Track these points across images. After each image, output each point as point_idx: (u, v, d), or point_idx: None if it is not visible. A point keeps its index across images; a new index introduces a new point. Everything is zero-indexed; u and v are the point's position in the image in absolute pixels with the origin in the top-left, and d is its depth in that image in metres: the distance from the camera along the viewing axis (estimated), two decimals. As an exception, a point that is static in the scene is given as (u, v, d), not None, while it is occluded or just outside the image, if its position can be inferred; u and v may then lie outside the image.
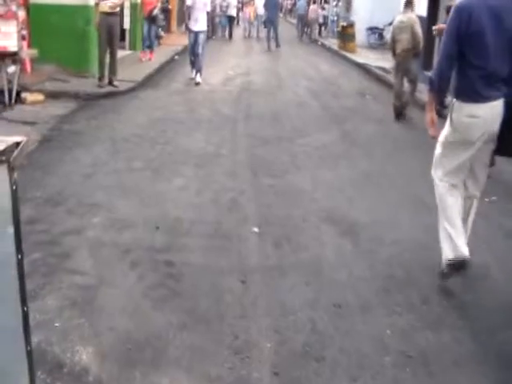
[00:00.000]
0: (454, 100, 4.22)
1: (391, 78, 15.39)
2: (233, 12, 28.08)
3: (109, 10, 10.69)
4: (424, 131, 4.75)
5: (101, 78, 10.84)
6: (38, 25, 11.04)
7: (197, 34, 12.71)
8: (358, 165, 7.25)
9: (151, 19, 15.66)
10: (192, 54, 13.03)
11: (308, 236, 5.00)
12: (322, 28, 30.52)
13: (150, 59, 15.46)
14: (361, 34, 23.59)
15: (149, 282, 4.05)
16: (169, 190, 5.88)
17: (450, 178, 4.31)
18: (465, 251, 4.17)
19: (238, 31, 30.26)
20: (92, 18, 10.96)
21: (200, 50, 12.71)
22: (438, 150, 4.40)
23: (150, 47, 15.78)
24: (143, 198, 5.58)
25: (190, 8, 12.82)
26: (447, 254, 4.23)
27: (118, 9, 11.07)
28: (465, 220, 4.39)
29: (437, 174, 4.40)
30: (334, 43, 24.99)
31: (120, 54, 14.08)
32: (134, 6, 15.56)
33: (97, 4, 10.71)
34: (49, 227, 4.79)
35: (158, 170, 6.43)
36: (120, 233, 4.78)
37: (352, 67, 18.74)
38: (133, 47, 15.83)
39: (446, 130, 4.30)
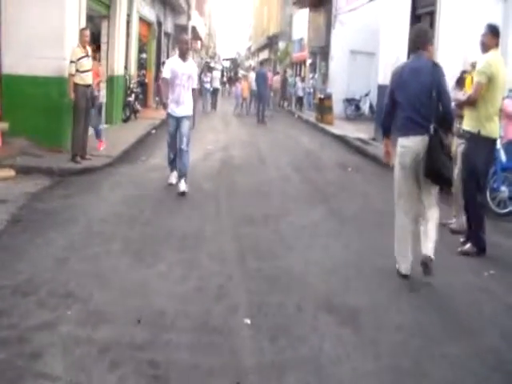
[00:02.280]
0: (397, 136, 5.75)
1: (369, 148, 15.41)
2: (217, 84, 29.31)
3: (89, 82, 10.43)
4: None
5: (77, 155, 10.40)
6: (10, 96, 10.74)
7: (180, 120, 9.14)
8: (349, 243, 6.88)
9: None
10: (172, 149, 9.40)
11: (305, 327, 4.54)
12: (302, 101, 30.22)
13: (98, 149, 11.90)
14: (337, 106, 23.78)
15: (131, 387, 3.57)
16: (150, 276, 5.41)
17: (402, 201, 5.74)
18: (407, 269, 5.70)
19: (223, 106, 30.33)
20: (66, 90, 10.57)
21: (184, 145, 9.10)
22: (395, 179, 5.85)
23: (98, 134, 12.09)
24: (122, 287, 5.11)
25: (167, 82, 9.25)
26: (398, 267, 5.78)
27: None
28: (424, 232, 5.69)
29: (395, 199, 5.84)
30: (310, 115, 25.08)
31: (97, 128, 13.86)
32: (110, 79, 15.36)
33: (72, 75, 10.25)
34: (17, 321, 4.29)
35: (138, 254, 5.97)
36: (97, 328, 4.28)
37: (331, 139, 18.69)
38: (109, 121, 15.56)
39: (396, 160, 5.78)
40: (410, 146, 5.56)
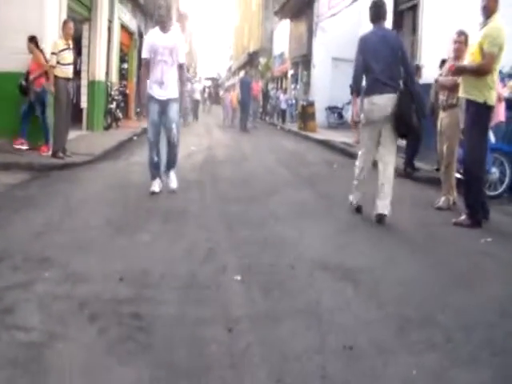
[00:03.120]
0: (364, 96, 6.52)
1: (355, 150, 15.17)
2: (197, 96, 29.38)
3: (70, 76, 10.12)
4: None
5: (58, 150, 10.04)
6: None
7: (165, 105, 7.36)
8: (341, 217, 6.62)
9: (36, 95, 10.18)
10: (155, 147, 7.50)
11: (300, 282, 4.26)
12: (285, 113, 29.47)
13: (43, 152, 10.23)
14: (320, 114, 23.55)
15: (112, 335, 3.25)
16: (133, 245, 5.09)
17: (365, 150, 6.64)
18: (360, 201, 6.74)
19: (204, 119, 30.05)
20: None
21: (174, 135, 7.47)
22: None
23: (47, 137, 10.34)
24: (103, 253, 4.78)
25: (147, 66, 7.47)
26: (352, 199, 6.79)
27: None
28: (382, 184, 6.37)
29: (360, 150, 6.78)
30: (293, 126, 24.77)
31: (76, 133, 13.52)
32: (91, 84, 15.08)
33: (53, 67, 9.83)
34: (-13, 284, 3.96)
35: (121, 227, 5.65)
36: (75, 286, 3.96)
37: (315, 143, 18.47)
38: (90, 127, 15.24)
39: (362, 117, 6.59)
40: (379, 103, 6.35)
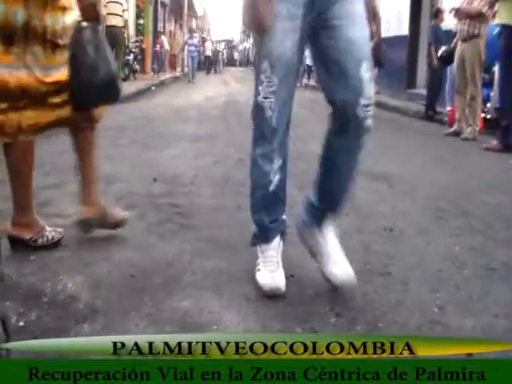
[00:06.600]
0: None
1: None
2: (209, 52, 31.93)
3: None
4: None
5: None
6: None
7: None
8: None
9: None
10: (279, 146, 2.29)
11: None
12: (311, 69, 28.66)
13: None
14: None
15: (151, 219, 3.25)
16: (162, 157, 5.11)
17: None
18: None
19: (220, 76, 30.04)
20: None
21: (366, 119, 2.15)
22: None
23: None
24: (133, 162, 4.80)
25: None
26: None
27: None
28: None
29: None
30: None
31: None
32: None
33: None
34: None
35: (148, 145, 5.66)
36: (109, 185, 3.92)
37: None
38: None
39: None
40: None
